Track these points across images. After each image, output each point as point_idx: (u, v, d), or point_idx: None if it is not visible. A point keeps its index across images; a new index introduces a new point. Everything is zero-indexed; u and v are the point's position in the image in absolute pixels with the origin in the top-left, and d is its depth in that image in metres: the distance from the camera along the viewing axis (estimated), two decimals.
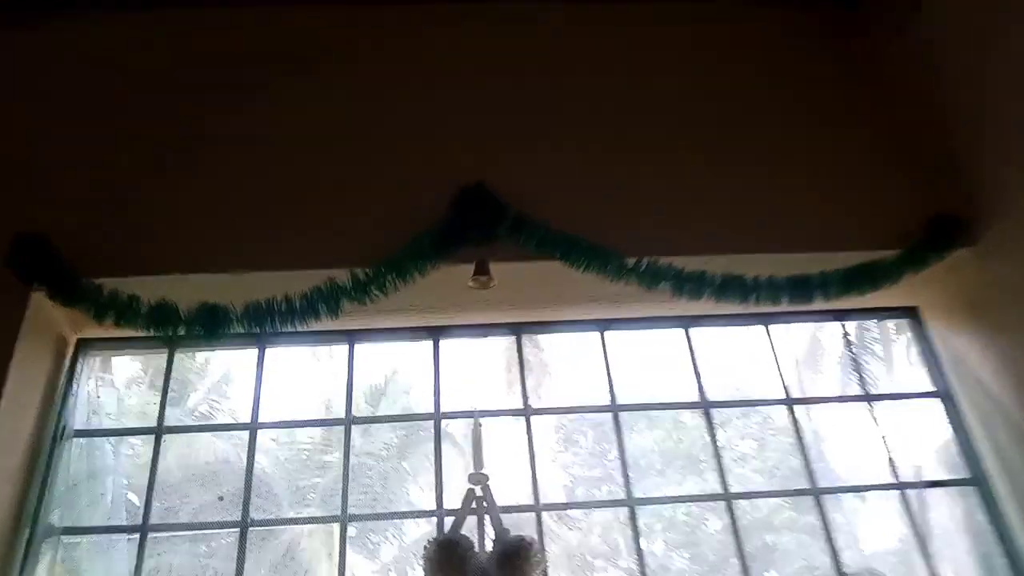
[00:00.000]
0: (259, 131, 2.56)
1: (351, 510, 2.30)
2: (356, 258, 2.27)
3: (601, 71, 2.79)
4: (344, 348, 2.59)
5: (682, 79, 2.79)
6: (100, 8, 2.70)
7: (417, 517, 2.37)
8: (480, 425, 2.38)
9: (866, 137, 2.71)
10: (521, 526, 2.27)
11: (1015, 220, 2.34)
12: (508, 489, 2.39)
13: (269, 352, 2.56)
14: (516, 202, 2.34)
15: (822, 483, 2.44)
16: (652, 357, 2.83)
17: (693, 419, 2.67)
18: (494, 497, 2.23)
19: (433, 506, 2.37)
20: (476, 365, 2.89)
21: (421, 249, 2.24)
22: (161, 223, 2.36)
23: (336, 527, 2.31)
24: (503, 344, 2.89)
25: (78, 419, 2.43)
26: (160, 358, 2.55)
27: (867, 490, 2.58)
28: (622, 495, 2.42)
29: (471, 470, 2.27)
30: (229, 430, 2.51)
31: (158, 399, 2.46)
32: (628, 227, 2.40)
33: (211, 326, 2.19)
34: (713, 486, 2.49)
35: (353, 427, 2.48)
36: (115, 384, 2.54)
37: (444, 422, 2.50)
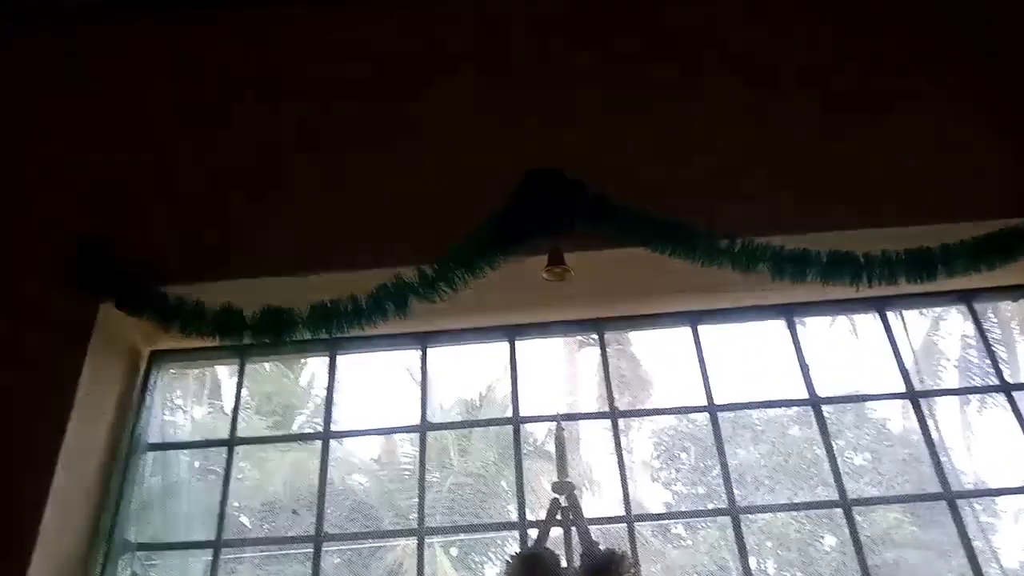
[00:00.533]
0: (318, 130, 2.48)
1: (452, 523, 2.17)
2: (425, 254, 2.14)
3: (686, 43, 2.58)
4: (434, 364, 2.47)
5: (779, 40, 2.55)
6: (167, 9, 2.69)
7: (498, 530, 2.20)
8: (563, 429, 2.20)
9: (992, 89, 2.40)
10: (617, 541, 2.08)
11: None
12: (608, 504, 2.20)
13: (364, 373, 2.47)
14: (592, 183, 2.16)
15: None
16: (750, 354, 2.57)
17: (801, 431, 2.41)
18: (581, 507, 2.04)
19: (528, 517, 2.19)
20: (564, 371, 2.72)
21: (490, 238, 2.10)
22: (224, 228, 2.32)
23: (432, 545, 2.16)
24: (593, 350, 2.70)
25: (173, 435, 2.42)
26: (264, 380, 2.50)
27: (1011, 493, 2.25)
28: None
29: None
30: (302, 440, 2.42)
31: (267, 420, 2.41)
32: (718, 205, 2.20)
33: (277, 330, 2.11)
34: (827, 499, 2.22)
35: (452, 446, 2.37)
36: (225, 410, 2.50)
37: (537, 437, 2.34)
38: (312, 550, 2.15)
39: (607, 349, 2.47)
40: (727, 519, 2.15)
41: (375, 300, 2.08)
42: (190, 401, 2.58)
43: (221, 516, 2.22)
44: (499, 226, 2.13)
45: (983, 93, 2.40)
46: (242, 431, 2.38)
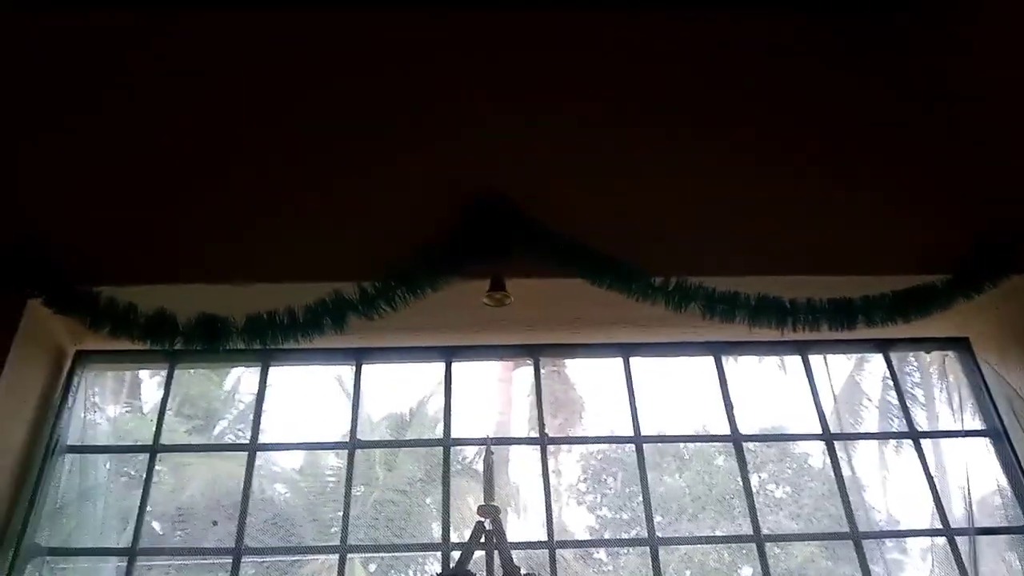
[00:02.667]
0: (268, 137, 2.46)
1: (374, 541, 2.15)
2: (365, 271, 2.15)
3: (631, 82, 2.65)
4: (366, 376, 2.46)
5: (720, 92, 2.64)
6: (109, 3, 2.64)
7: (422, 551, 2.20)
8: (492, 453, 2.23)
9: (917, 154, 2.54)
10: (542, 565, 2.12)
11: None
12: (532, 526, 2.23)
13: (293, 379, 2.45)
14: (536, 214, 2.21)
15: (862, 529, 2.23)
16: (680, 387, 2.65)
17: (726, 462, 2.49)
18: (505, 532, 2.07)
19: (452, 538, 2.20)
20: (498, 391, 2.75)
21: (433, 261, 2.12)
22: (162, 230, 2.27)
23: (351, 559, 2.15)
24: (528, 371, 2.75)
25: (92, 436, 2.36)
26: (187, 383, 2.45)
27: (911, 535, 2.37)
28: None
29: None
30: (227, 450, 2.37)
31: (187, 424, 2.35)
32: (656, 244, 2.25)
33: (210, 338, 2.09)
34: (747, 532, 2.28)
35: (378, 462, 2.37)
36: (143, 410, 2.44)
37: (466, 455, 2.35)
38: (231, 562, 2.12)
39: (541, 371, 2.51)
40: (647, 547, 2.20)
41: (312, 314, 2.08)
42: (108, 400, 2.50)
43: (139, 523, 2.17)
44: (447, 249, 2.15)
45: (914, 159, 2.53)
46: (162, 433, 2.32)
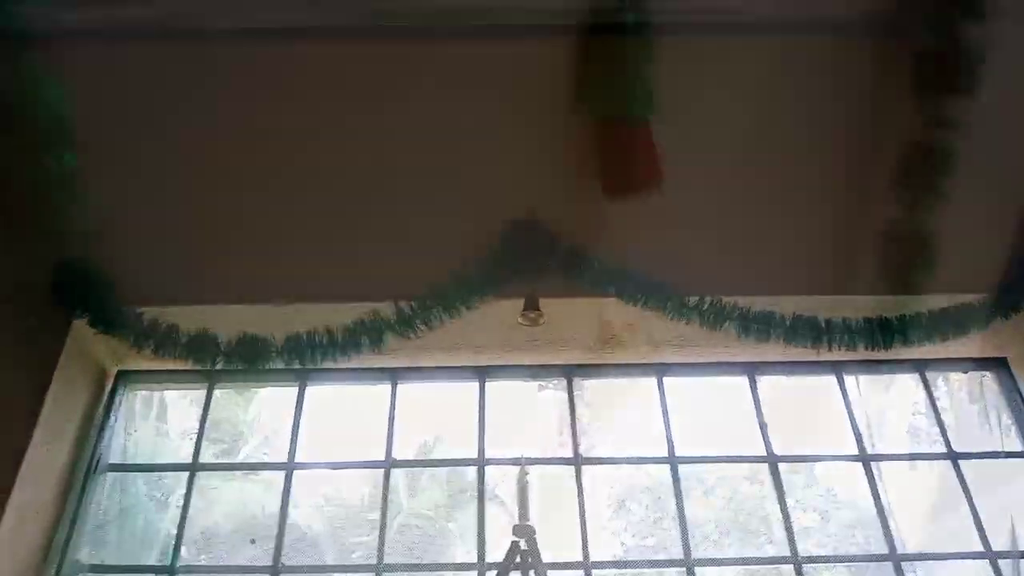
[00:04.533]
0: (306, 162, 2.48)
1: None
2: (402, 291, 2.19)
3: (666, 104, 2.66)
4: (398, 400, 2.48)
5: (752, 109, 2.63)
6: (154, 32, 2.71)
7: (457, 570, 2.20)
8: (527, 473, 2.23)
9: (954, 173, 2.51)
10: None
11: None
12: (561, 547, 2.23)
13: (322, 402, 2.50)
14: (569, 236, 2.23)
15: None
16: (708, 411, 2.63)
17: (752, 488, 2.46)
18: (540, 552, 2.07)
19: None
20: (529, 414, 2.75)
21: (468, 282, 2.16)
22: (204, 252, 2.30)
23: None
24: (557, 396, 2.76)
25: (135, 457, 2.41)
26: (215, 407, 2.49)
27: (952, 558, 2.32)
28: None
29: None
30: (264, 469, 2.41)
31: (215, 447, 2.40)
32: (690, 264, 2.26)
33: (251, 358, 2.14)
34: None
35: (401, 486, 2.39)
36: (170, 434, 2.49)
37: (493, 481, 2.37)
38: None
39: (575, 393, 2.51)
40: (682, 571, 2.19)
41: (350, 334, 2.12)
42: (137, 423, 2.54)
43: (178, 541, 2.20)
44: (482, 269, 2.19)
45: (951, 178, 2.50)
46: (188, 457, 2.35)
